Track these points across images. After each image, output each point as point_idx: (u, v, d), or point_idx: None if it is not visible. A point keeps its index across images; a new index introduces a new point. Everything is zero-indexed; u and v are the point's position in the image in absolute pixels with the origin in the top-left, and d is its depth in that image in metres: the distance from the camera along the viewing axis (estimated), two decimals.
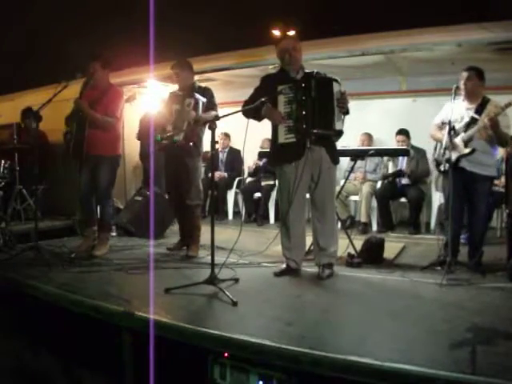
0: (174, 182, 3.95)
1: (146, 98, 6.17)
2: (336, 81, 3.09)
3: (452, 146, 3.24)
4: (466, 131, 3.28)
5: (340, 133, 3.14)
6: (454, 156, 3.27)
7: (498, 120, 3.10)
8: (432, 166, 3.63)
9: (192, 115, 3.65)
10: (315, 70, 3.20)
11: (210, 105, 3.77)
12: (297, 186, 3.11)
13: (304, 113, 3.05)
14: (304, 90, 3.06)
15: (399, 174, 5.04)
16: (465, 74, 3.31)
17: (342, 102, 3.04)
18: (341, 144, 3.41)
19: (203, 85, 4.01)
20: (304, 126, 3.05)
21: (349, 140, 4.86)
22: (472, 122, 3.25)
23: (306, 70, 3.22)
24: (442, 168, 3.38)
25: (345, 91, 3.08)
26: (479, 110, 3.26)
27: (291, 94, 3.07)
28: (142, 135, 5.85)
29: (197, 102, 3.65)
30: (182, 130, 3.68)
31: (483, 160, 3.27)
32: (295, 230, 3.25)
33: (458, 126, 3.31)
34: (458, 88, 3.26)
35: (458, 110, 3.37)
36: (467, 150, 3.23)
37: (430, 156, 4.90)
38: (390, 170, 5.18)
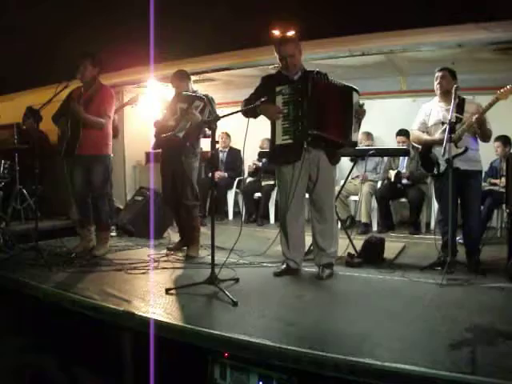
0: (171, 182, 3.95)
1: (146, 99, 6.17)
2: (357, 91, 3.07)
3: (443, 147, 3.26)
4: (456, 132, 3.25)
5: (354, 144, 3.16)
6: (444, 156, 3.28)
7: (485, 118, 3.16)
8: (422, 170, 3.66)
9: (197, 118, 3.66)
10: (315, 70, 3.19)
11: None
12: (295, 186, 3.12)
13: (300, 114, 3.05)
14: (301, 91, 3.06)
15: (398, 176, 5.04)
16: (438, 74, 3.39)
17: (360, 113, 3.06)
18: None
19: (203, 93, 4.01)
20: (300, 127, 3.05)
21: None
22: (457, 121, 3.26)
23: (306, 69, 3.21)
24: (435, 171, 3.38)
25: (363, 104, 3.08)
26: (459, 109, 3.29)
27: (288, 95, 3.07)
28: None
29: (205, 105, 3.69)
30: (183, 129, 3.70)
31: (472, 156, 3.32)
32: (294, 231, 3.25)
33: (440, 128, 3.33)
34: (457, 88, 3.26)
35: (437, 111, 3.42)
36: (460, 150, 3.24)
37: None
38: (392, 177, 5.16)
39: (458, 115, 3.26)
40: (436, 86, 3.40)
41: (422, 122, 3.51)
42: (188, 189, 3.85)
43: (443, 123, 3.31)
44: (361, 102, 3.09)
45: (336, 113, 3.06)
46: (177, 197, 3.92)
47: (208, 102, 3.74)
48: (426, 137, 3.47)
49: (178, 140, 3.72)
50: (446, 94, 3.34)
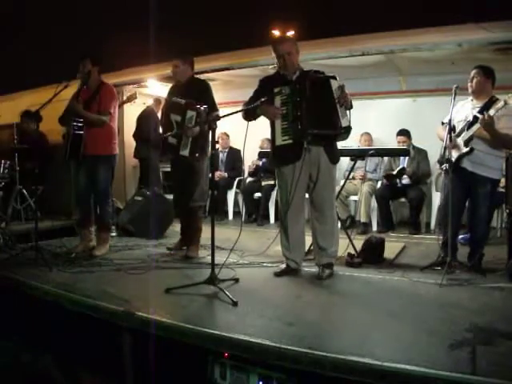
0: (180, 183, 3.94)
1: (146, 98, 6.19)
2: (333, 78, 3.04)
3: (453, 146, 3.24)
4: (468, 130, 3.24)
5: (348, 129, 3.07)
6: (455, 155, 3.27)
7: (492, 121, 3.07)
8: (437, 165, 3.62)
9: (196, 131, 3.53)
10: (313, 70, 3.19)
11: (208, 105, 3.59)
12: (295, 186, 3.11)
13: (299, 113, 3.04)
14: (299, 91, 3.05)
15: (401, 172, 5.03)
16: (472, 72, 3.32)
17: (342, 98, 2.99)
18: (341, 144, 3.41)
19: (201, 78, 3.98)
20: (300, 127, 3.05)
21: (349, 140, 4.85)
22: (475, 121, 3.21)
23: (304, 69, 3.21)
24: (444, 167, 3.36)
25: (343, 85, 3.01)
26: (484, 109, 3.20)
27: (286, 95, 3.07)
28: (138, 134, 5.87)
29: (198, 113, 3.47)
30: (186, 146, 3.59)
31: (486, 161, 3.22)
32: (294, 231, 3.25)
33: (461, 125, 3.30)
34: (457, 88, 3.26)
35: (464, 109, 3.36)
36: (466, 150, 3.22)
37: (432, 156, 4.92)
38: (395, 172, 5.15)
39: (478, 115, 3.19)
40: (468, 84, 3.32)
41: (450, 118, 3.46)
42: (197, 190, 3.81)
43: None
44: (340, 83, 3.01)
45: (322, 105, 3.03)
46: (184, 197, 3.88)
47: (200, 111, 3.50)
48: (444, 134, 3.39)
49: (186, 158, 3.63)
50: (477, 93, 3.27)
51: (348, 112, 3.06)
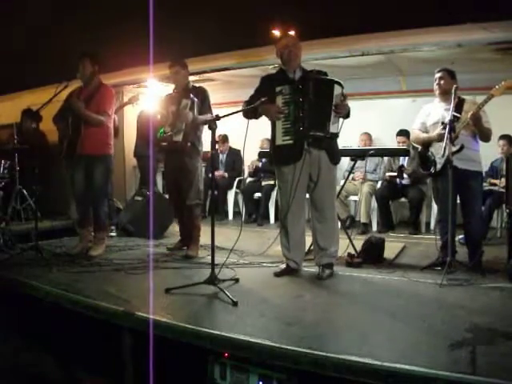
0: (174, 182, 3.97)
1: (146, 98, 6.18)
2: (339, 84, 3.05)
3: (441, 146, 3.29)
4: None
5: (334, 136, 3.12)
6: (444, 156, 3.29)
7: (480, 115, 3.17)
8: (420, 170, 3.68)
9: (189, 117, 3.70)
10: (315, 70, 3.19)
11: (205, 107, 3.82)
12: (295, 186, 3.11)
13: (301, 114, 3.04)
14: (301, 91, 3.05)
15: (400, 169, 5.03)
16: (437, 75, 3.43)
17: (340, 107, 3.01)
18: (341, 144, 3.41)
19: (197, 85, 4.07)
20: (301, 128, 3.04)
21: (349, 140, 4.86)
22: (454, 120, 3.27)
23: (306, 69, 3.21)
24: (432, 170, 3.38)
25: (346, 96, 3.04)
26: (458, 109, 3.30)
27: (289, 95, 3.07)
28: (138, 133, 5.88)
29: (193, 102, 3.71)
30: (180, 131, 3.72)
31: (473, 156, 3.33)
32: (294, 231, 3.24)
33: (439, 127, 3.35)
34: (457, 88, 3.27)
35: (436, 111, 3.44)
36: (456, 147, 3.25)
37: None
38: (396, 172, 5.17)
39: (456, 114, 3.27)
40: (435, 86, 3.44)
41: (421, 122, 3.54)
42: (192, 189, 3.86)
43: (442, 123, 3.32)
44: (344, 91, 3.04)
45: (320, 106, 3.03)
46: (180, 197, 3.93)
47: (194, 100, 3.74)
48: (424, 135, 3.49)
49: (179, 144, 3.74)
50: (444, 95, 3.37)
51: (341, 120, 3.10)
